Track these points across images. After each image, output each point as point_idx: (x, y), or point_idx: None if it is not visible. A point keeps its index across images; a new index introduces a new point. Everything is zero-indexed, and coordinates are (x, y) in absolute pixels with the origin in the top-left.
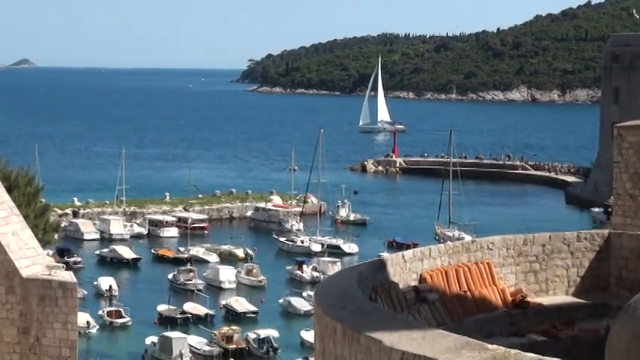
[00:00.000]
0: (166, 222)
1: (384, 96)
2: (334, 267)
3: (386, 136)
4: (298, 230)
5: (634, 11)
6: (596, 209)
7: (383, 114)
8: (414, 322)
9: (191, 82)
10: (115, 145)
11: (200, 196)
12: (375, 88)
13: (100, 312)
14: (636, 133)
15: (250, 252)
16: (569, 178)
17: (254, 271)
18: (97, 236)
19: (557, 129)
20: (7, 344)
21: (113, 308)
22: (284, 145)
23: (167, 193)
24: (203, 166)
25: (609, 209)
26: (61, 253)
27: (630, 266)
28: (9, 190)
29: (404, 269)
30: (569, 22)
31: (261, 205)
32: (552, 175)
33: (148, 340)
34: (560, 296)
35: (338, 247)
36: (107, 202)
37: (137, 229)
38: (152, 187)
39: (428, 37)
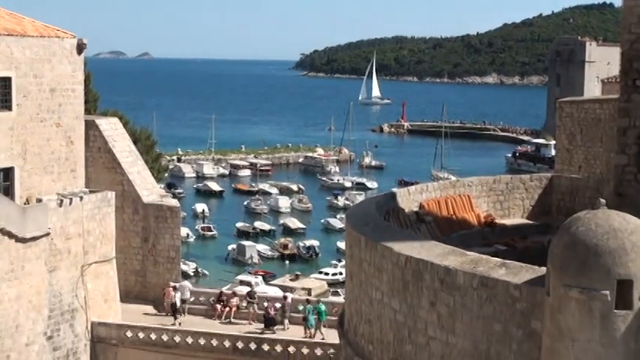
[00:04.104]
0: (242, 165)
1: (397, 79)
2: (360, 197)
3: (378, 107)
4: (335, 172)
5: (571, 20)
6: (508, 155)
7: (375, 91)
8: (415, 235)
9: (261, 69)
10: (206, 111)
11: (266, 147)
12: (371, 74)
13: (196, 227)
14: (571, 106)
15: (301, 187)
16: (526, 138)
17: (303, 200)
18: (194, 175)
19: (518, 103)
20: (134, 248)
21: (205, 225)
22: (325, 113)
23: (243, 145)
24: (268, 126)
25: (517, 154)
26: (169, 187)
27: (565, 199)
28: (135, 143)
29: (409, 199)
30: (527, 28)
31: (309, 154)
32: (514, 135)
33: (229, 247)
34: (517, 219)
35: (363, 184)
36: (201, 151)
37: (222, 171)
38: (232, 141)
39: (427, 38)
